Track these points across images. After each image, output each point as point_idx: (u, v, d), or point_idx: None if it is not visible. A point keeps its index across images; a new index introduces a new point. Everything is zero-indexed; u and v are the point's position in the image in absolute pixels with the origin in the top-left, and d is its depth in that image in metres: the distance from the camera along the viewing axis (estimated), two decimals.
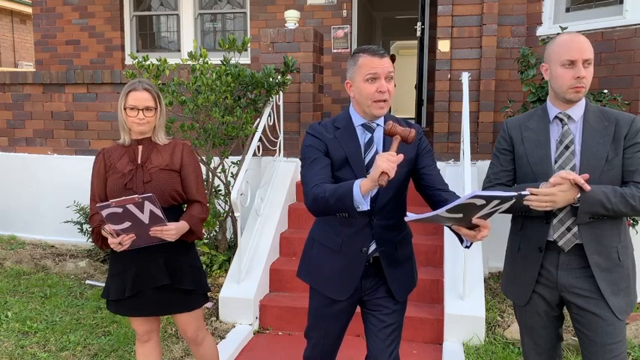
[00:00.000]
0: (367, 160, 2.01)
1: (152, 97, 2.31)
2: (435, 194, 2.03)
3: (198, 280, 2.44)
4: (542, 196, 1.86)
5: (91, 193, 2.39)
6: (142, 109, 2.28)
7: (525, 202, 1.87)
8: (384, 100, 1.94)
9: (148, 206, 2.11)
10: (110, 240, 2.22)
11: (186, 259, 2.42)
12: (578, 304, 2.01)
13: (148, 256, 2.32)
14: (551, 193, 1.85)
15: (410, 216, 1.75)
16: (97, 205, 2.11)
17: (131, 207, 2.09)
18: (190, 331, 2.49)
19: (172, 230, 2.25)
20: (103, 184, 2.37)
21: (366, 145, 2.03)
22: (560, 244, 2.00)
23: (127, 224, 2.15)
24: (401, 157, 1.72)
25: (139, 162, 2.34)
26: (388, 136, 1.86)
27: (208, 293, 2.56)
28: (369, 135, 2.04)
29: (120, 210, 2.08)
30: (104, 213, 2.10)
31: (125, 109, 2.30)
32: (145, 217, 2.15)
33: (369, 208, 1.79)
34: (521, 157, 2.08)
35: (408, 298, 2.21)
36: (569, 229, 1.98)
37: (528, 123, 2.11)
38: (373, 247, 2.07)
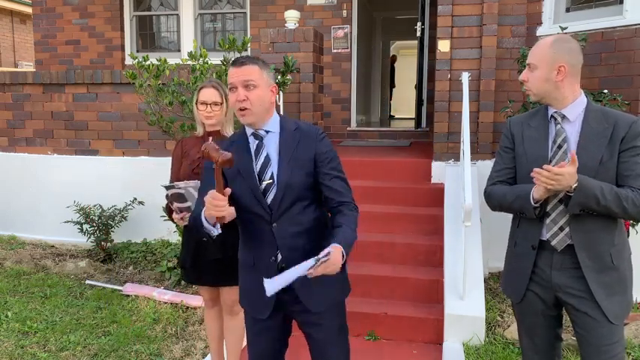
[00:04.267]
0: (258, 167, 1.98)
1: (219, 94, 2.65)
2: (331, 211, 2.01)
3: None
4: (551, 174, 1.83)
5: (170, 175, 2.79)
6: (210, 104, 2.63)
7: (533, 175, 1.88)
8: (245, 109, 1.91)
9: None
10: (174, 215, 2.57)
11: (239, 238, 2.61)
12: (573, 304, 2.00)
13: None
14: (561, 173, 1.82)
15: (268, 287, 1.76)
16: (163, 185, 2.42)
17: (191, 190, 2.39)
18: (230, 300, 2.76)
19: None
20: (178, 168, 2.75)
21: (256, 153, 1.99)
22: (552, 243, 1.99)
23: (188, 203, 2.43)
24: (225, 194, 1.75)
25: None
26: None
27: None
28: (257, 142, 2.00)
29: (182, 191, 2.38)
30: (169, 192, 2.39)
31: (197, 103, 2.68)
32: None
33: (220, 232, 1.86)
34: (521, 156, 2.07)
35: (342, 313, 2.12)
36: (561, 229, 1.98)
37: (530, 121, 2.10)
38: (280, 255, 2.01)
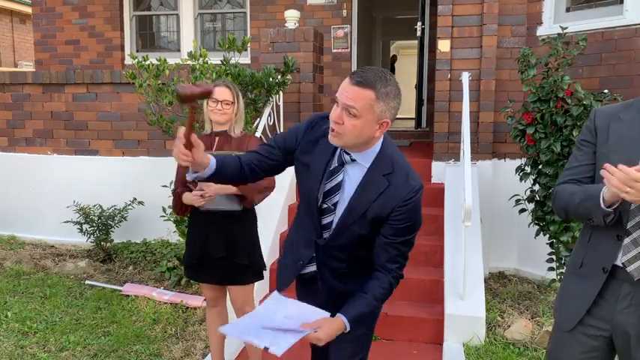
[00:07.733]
0: (327, 186, 1.77)
1: (231, 93, 2.72)
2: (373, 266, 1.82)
3: (253, 258, 2.80)
4: (627, 177, 1.42)
5: (176, 175, 2.86)
6: (221, 101, 2.70)
7: (602, 173, 1.47)
8: (336, 132, 1.65)
9: None
10: (193, 193, 2.60)
11: (244, 238, 2.76)
12: (635, 356, 1.58)
13: (212, 230, 2.71)
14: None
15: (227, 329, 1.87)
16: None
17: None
18: (238, 302, 2.83)
19: (212, 187, 2.56)
20: (184, 168, 2.67)
21: (332, 172, 1.77)
22: (629, 269, 1.59)
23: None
24: (192, 140, 1.66)
25: (213, 151, 2.71)
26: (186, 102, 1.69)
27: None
28: (337, 165, 1.77)
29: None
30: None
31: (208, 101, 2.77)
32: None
33: (193, 177, 1.82)
34: (604, 156, 1.63)
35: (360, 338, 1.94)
36: None
37: (622, 114, 1.66)
38: (312, 268, 1.90)
